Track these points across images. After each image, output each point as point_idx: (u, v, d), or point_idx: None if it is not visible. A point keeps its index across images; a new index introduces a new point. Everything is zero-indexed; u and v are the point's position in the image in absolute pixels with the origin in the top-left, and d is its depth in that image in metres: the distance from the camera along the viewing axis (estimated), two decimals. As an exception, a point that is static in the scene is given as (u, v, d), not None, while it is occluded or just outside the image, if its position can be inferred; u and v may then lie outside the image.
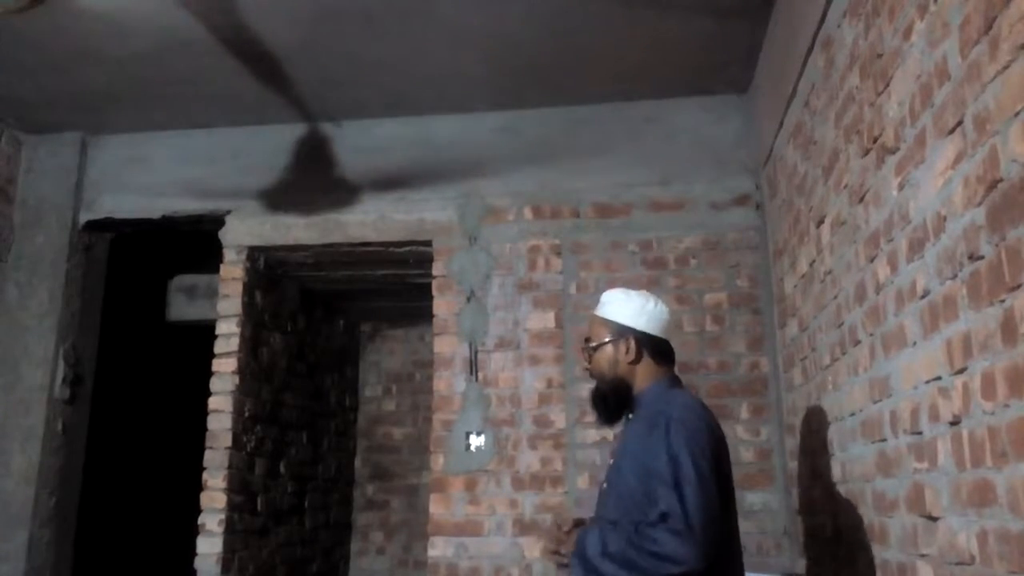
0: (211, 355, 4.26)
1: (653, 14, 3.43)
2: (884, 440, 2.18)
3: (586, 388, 2.36)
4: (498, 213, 4.15)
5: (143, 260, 5.17)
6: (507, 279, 4.06)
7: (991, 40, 1.47)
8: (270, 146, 4.39)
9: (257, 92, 4.04)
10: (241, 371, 4.25)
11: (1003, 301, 1.46)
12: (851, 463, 2.53)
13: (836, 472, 2.68)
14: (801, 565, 3.34)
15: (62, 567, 4.24)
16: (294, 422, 5.03)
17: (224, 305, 4.32)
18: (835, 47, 2.56)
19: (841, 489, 2.62)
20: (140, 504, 5.36)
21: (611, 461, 2.22)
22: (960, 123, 1.63)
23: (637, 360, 2.20)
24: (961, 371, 1.65)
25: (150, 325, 5.42)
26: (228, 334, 4.28)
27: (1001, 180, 1.45)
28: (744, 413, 3.76)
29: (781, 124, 3.36)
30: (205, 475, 4.10)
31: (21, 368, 4.21)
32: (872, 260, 2.24)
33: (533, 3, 3.36)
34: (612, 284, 3.20)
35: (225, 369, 4.23)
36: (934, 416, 1.81)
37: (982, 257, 1.54)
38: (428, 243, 4.20)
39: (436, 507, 3.85)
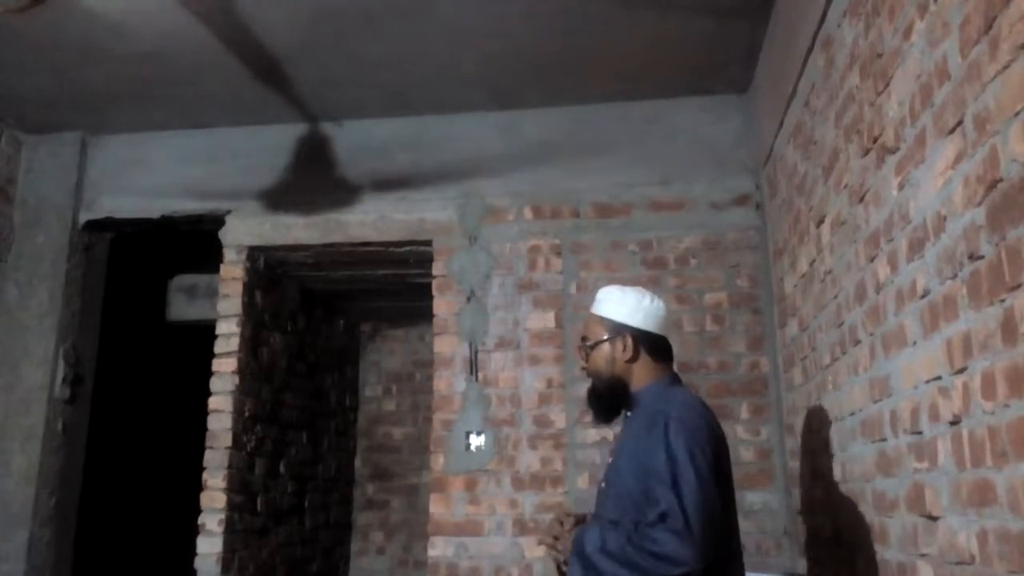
0: (211, 355, 4.26)
1: (653, 14, 3.43)
2: (884, 440, 2.18)
3: (586, 388, 2.33)
4: (498, 213, 4.15)
5: (143, 260, 5.17)
6: (507, 279, 4.06)
7: (991, 40, 1.47)
8: (270, 146, 4.39)
9: (257, 92, 4.04)
10: (241, 371, 4.25)
11: (1003, 301, 1.46)
12: (851, 463, 2.53)
13: (836, 472, 2.68)
14: (802, 565, 3.34)
15: (62, 567, 4.24)
16: (294, 422, 5.03)
17: (224, 305, 4.32)
18: (835, 47, 2.56)
19: (841, 489, 2.62)
20: (140, 504, 5.36)
21: (610, 460, 2.20)
22: (960, 123, 1.63)
23: (635, 358, 2.17)
24: (961, 371, 1.65)
25: (150, 325, 5.42)
26: (228, 334, 4.28)
27: (1001, 180, 1.46)
28: (744, 413, 3.76)
29: (781, 124, 3.36)
30: (205, 475, 4.11)
31: (21, 368, 4.22)
32: (872, 260, 2.24)
33: (533, 3, 3.36)
34: (612, 284, 3.19)
35: (225, 369, 4.23)
36: (934, 416, 1.81)
37: (982, 257, 1.54)
38: (428, 243, 4.20)
39: (436, 507, 3.85)
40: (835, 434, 2.70)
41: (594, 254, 4.01)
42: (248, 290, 4.36)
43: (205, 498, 4.08)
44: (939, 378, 1.78)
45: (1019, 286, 1.40)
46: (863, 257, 2.32)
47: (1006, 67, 1.43)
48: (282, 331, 4.86)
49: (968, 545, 1.64)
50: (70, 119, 4.39)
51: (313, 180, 4.32)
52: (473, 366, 3.97)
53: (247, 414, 4.33)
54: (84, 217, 4.47)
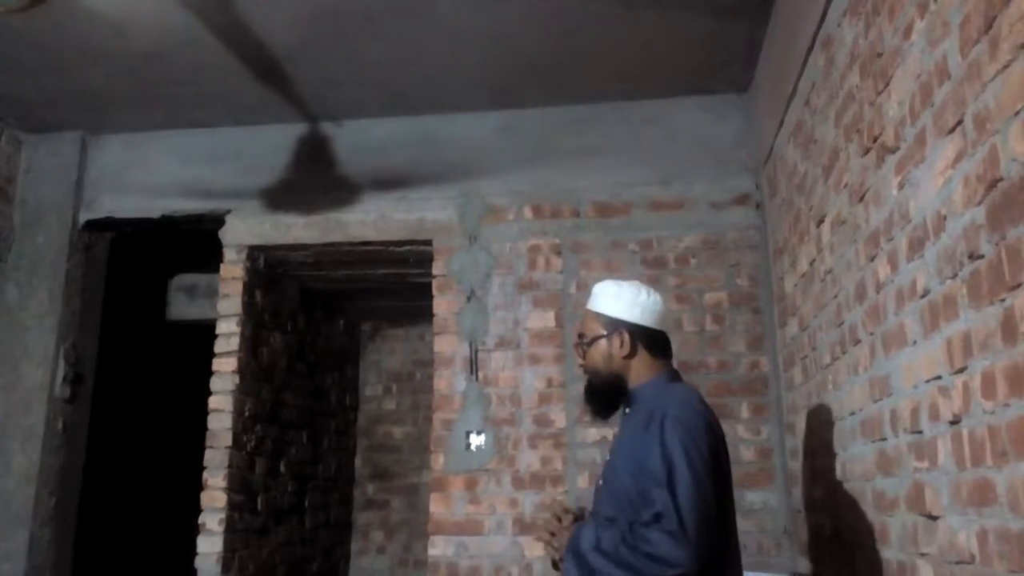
0: (211, 354, 4.27)
1: (653, 14, 3.43)
2: (884, 439, 2.18)
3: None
4: (498, 212, 4.15)
5: (143, 259, 5.17)
6: (507, 278, 4.06)
7: (991, 39, 1.47)
8: (270, 146, 4.39)
9: (257, 92, 4.04)
10: (241, 370, 4.25)
11: (1003, 300, 1.46)
12: (851, 462, 2.53)
13: (836, 471, 2.68)
14: (802, 564, 3.34)
15: (62, 566, 4.24)
16: (294, 421, 5.03)
17: (224, 304, 4.32)
18: (835, 46, 2.56)
19: (841, 488, 2.62)
20: (140, 503, 5.37)
21: (608, 458, 2.18)
22: (960, 122, 1.63)
23: (632, 354, 2.12)
24: (961, 370, 1.65)
25: (150, 324, 5.42)
26: (228, 333, 4.28)
27: (1001, 179, 1.46)
28: (744, 412, 3.76)
29: (781, 123, 3.36)
30: (205, 474, 4.11)
31: (21, 367, 4.22)
32: (872, 259, 2.24)
33: (533, 3, 3.36)
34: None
35: (225, 368, 4.23)
36: (934, 415, 1.82)
37: (982, 256, 1.54)
38: (428, 242, 4.20)
39: (436, 506, 3.85)
40: (835, 433, 2.70)
41: (594, 253, 4.01)
42: (248, 290, 4.36)
43: (205, 497, 4.08)
44: (939, 377, 1.78)
45: (1019, 285, 1.40)
46: (863, 256, 2.32)
47: (1006, 66, 1.43)
48: (282, 331, 4.86)
49: (968, 544, 1.64)
50: (70, 119, 4.39)
51: (313, 180, 4.33)
52: (473, 365, 3.97)
53: (247, 414, 4.33)
54: (84, 217, 4.47)
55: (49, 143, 4.51)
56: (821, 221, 2.80)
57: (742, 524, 3.50)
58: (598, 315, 2.18)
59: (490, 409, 3.91)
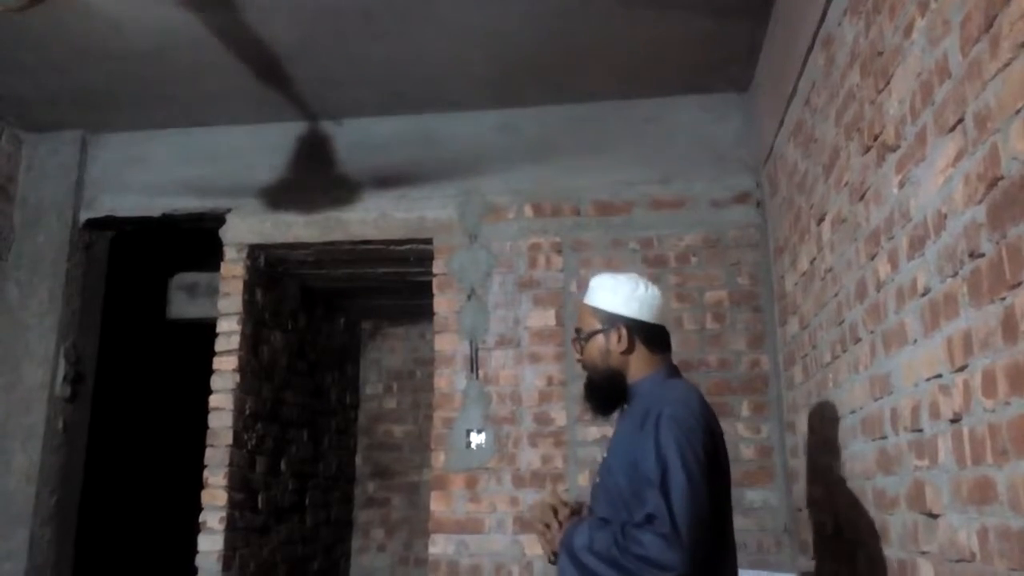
0: (212, 353, 4.27)
1: (653, 13, 3.43)
2: (885, 438, 2.19)
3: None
4: (498, 211, 4.15)
5: (144, 258, 5.18)
6: (508, 277, 4.06)
7: (992, 38, 1.48)
8: (270, 144, 4.39)
9: (257, 90, 4.04)
10: (242, 369, 4.26)
11: (1004, 299, 1.46)
12: (852, 460, 2.53)
13: (837, 469, 2.68)
14: (802, 562, 3.34)
15: (63, 565, 4.24)
16: (295, 420, 5.03)
17: (225, 303, 4.32)
18: (836, 45, 2.56)
19: (841, 486, 2.62)
20: (141, 502, 5.37)
21: (604, 455, 2.13)
22: (961, 121, 1.63)
23: (630, 350, 2.07)
24: (962, 369, 1.66)
25: (151, 323, 5.43)
26: (229, 332, 4.28)
27: (1002, 178, 1.46)
28: (744, 411, 3.76)
29: (782, 122, 3.36)
30: (206, 473, 4.11)
31: (22, 367, 4.22)
32: (873, 258, 2.24)
33: (533, 2, 3.36)
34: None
35: (226, 367, 4.23)
36: (935, 413, 1.82)
37: (983, 255, 1.54)
38: (429, 241, 4.20)
39: (437, 504, 3.85)
40: (835, 432, 2.70)
41: (595, 252, 4.01)
42: (249, 288, 4.37)
43: (206, 496, 4.09)
44: (940, 376, 1.78)
45: (1020, 284, 1.40)
46: (864, 255, 2.32)
47: (1007, 65, 1.43)
48: (283, 329, 4.87)
49: (968, 543, 1.64)
50: (71, 117, 4.39)
51: (313, 178, 4.33)
52: (474, 364, 3.98)
53: (248, 412, 4.33)
54: (84, 215, 4.47)
55: (49, 142, 4.51)
56: (822, 219, 2.80)
57: (742, 522, 3.54)
58: (595, 310, 2.12)
59: (490, 407, 3.91)
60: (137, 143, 4.53)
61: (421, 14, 3.43)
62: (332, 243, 4.32)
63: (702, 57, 3.79)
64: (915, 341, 1.93)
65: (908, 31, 1.91)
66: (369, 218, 4.24)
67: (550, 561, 1.99)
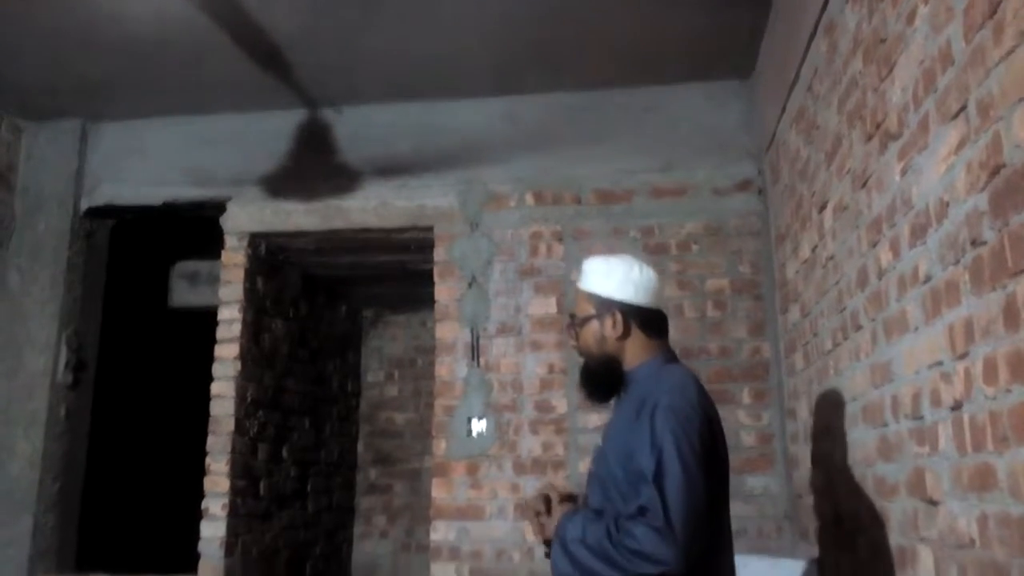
0: (213, 341, 4.28)
1: (655, 0, 3.42)
2: (885, 425, 2.19)
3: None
4: (499, 199, 4.15)
5: (145, 247, 5.18)
6: (508, 265, 4.06)
7: (995, 25, 1.47)
8: (271, 132, 4.38)
9: (257, 78, 4.03)
10: (243, 357, 4.27)
11: (1005, 286, 1.47)
12: (852, 448, 2.54)
13: (837, 457, 2.69)
14: (802, 549, 3.36)
15: (66, 551, 4.27)
16: (296, 407, 5.04)
17: (226, 291, 4.33)
18: (838, 32, 2.55)
19: (842, 473, 2.63)
20: (144, 488, 5.39)
21: (600, 444, 2.08)
22: (963, 108, 1.62)
23: (626, 335, 2.01)
24: (963, 356, 1.66)
25: (152, 311, 5.43)
26: (230, 320, 4.29)
27: (1004, 165, 1.46)
28: (745, 398, 3.77)
29: (783, 109, 3.35)
30: (208, 460, 4.13)
31: (24, 354, 4.23)
32: (874, 245, 2.24)
33: (535, -12, 3.35)
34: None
35: (227, 355, 4.24)
36: (935, 401, 1.82)
37: (984, 243, 1.54)
38: (429, 229, 4.20)
39: (438, 491, 3.87)
40: (836, 419, 2.71)
41: (596, 240, 4.00)
42: (250, 276, 4.37)
43: (208, 483, 4.11)
44: (941, 363, 1.78)
45: (1022, 272, 1.41)
46: (865, 243, 2.32)
47: (1010, 52, 1.42)
48: (284, 317, 4.87)
49: (968, 529, 1.65)
50: (70, 106, 4.38)
51: (314, 166, 4.32)
52: (475, 352, 3.98)
53: (249, 399, 4.34)
54: (85, 204, 4.47)
55: (49, 130, 4.51)
56: (823, 207, 2.80)
57: (743, 509, 3.55)
58: (589, 294, 2.06)
59: (491, 395, 3.92)
60: (137, 131, 4.53)
61: (421, 1, 3.42)
62: (333, 231, 4.32)
63: (703, 44, 3.77)
64: (916, 329, 1.93)
65: (911, 18, 1.90)
66: (370, 206, 4.24)
67: (545, 555, 1.97)
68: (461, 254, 4.10)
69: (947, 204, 1.72)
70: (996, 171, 1.48)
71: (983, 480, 1.58)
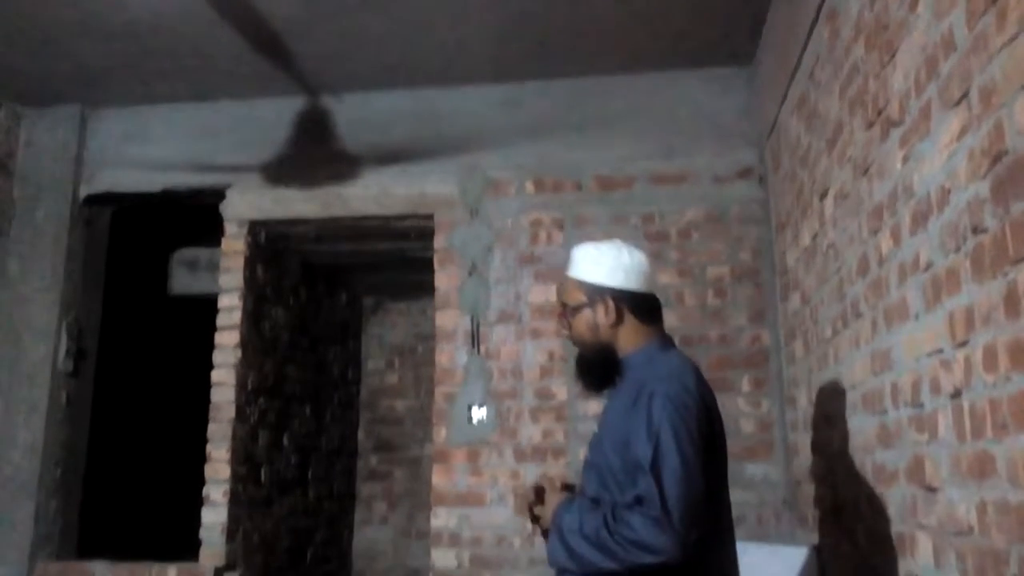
0: (214, 328, 4.28)
1: (656, -16, 3.40)
2: (885, 412, 2.20)
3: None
4: (500, 186, 4.14)
5: (145, 234, 5.17)
6: (509, 252, 4.06)
7: (998, 11, 1.46)
8: (271, 119, 4.37)
9: (257, 65, 4.01)
10: (243, 344, 4.27)
11: (1006, 274, 1.46)
12: (852, 435, 2.55)
13: (836, 444, 2.70)
14: (801, 535, 3.38)
15: (68, 537, 4.29)
16: (297, 394, 5.05)
17: (226, 279, 4.32)
18: (840, 19, 2.53)
19: (841, 461, 2.64)
20: (145, 475, 5.41)
21: (595, 430, 2.05)
22: (966, 95, 1.62)
23: (619, 321, 1.98)
24: (963, 344, 1.66)
25: (153, 298, 5.43)
26: (230, 307, 4.29)
27: (1006, 153, 1.45)
28: (745, 386, 3.77)
29: (785, 96, 3.34)
30: (209, 447, 4.14)
31: (24, 341, 4.23)
32: (875, 233, 2.23)
33: (535, -27, 3.33)
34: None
35: (228, 342, 4.25)
36: (935, 388, 1.82)
37: (986, 230, 1.54)
38: (430, 216, 4.19)
39: (439, 478, 3.88)
40: (836, 407, 2.71)
41: (596, 227, 4.00)
42: (250, 264, 4.36)
43: (209, 469, 4.12)
44: (941, 351, 1.78)
45: (1023, 259, 1.40)
46: (866, 230, 2.32)
47: (1013, 39, 1.42)
48: (284, 304, 4.87)
49: (967, 516, 1.66)
50: (69, 92, 4.36)
51: (314, 154, 4.31)
52: (475, 339, 3.99)
53: (250, 387, 4.35)
54: (85, 191, 4.46)
55: (48, 117, 4.49)
56: (824, 195, 2.79)
57: (743, 496, 3.57)
58: (579, 282, 2.03)
59: (492, 382, 3.93)
60: (136, 118, 4.51)
61: (422, -13, 3.40)
62: (333, 219, 4.31)
63: (705, 30, 3.75)
64: (916, 316, 1.93)
65: (913, 4, 1.89)
66: (370, 194, 4.23)
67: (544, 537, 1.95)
68: (461, 242, 4.10)
69: (948, 191, 1.72)
70: (998, 158, 1.48)
71: (982, 467, 1.58)
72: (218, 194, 4.36)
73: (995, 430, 1.52)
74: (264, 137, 4.35)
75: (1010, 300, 1.45)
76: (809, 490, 3.18)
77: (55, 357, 4.24)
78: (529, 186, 4.12)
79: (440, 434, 3.94)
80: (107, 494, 4.84)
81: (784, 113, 3.41)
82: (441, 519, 3.84)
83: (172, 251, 5.51)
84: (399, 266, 5.30)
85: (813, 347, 3.06)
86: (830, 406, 2.77)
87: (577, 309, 2.03)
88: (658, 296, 2.07)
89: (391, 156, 4.23)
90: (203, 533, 4.04)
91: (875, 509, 2.30)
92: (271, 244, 4.62)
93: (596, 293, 2.00)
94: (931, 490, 1.86)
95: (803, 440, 3.25)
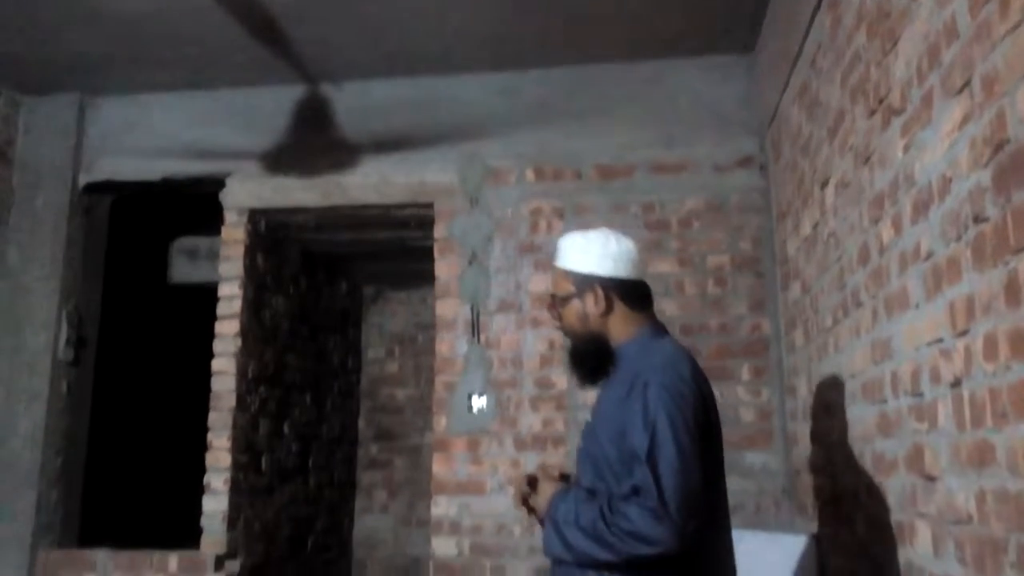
0: (214, 317, 4.28)
1: (657, -28, 3.38)
2: (885, 401, 2.20)
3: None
4: (500, 175, 4.13)
5: (145, 222, 5.16)
6: (509, 241, 4.05)
7: (1002, -1, 1.45)
8: (270, 107, 4.35)
9: (256, 52, 3.99)
10: (244, 333, 4.27)
11: (1007, 263, 1.46)
12: (851, 424, 2.55)
13: (836, 433, 2.70)
14: (800, 524, 3.38)
15: (70, 525, 4.30)
16: (298, 383, 5.06)
17: (226, 267, 4.32)
18: (842, 6, 2.52)
19: (841, 449, 2.64)
20: (147, 464, 5.42)
21: (589, 419, 2.04)
22: (968, 83, 1.61)
23: (609, 310, 1.96)
24: (963, 333, 1.66)
25: (153, 287, 5.43)
26: (230, 296, 4.29)
27: (1008, 141, 1.45)
28: (745, 375, 3.78)
29: (786, 85, 3.32)
30: (210, 436, 4.14)
31: (24, 330, 4.23)
32: (876, 222, 2.23)
33: (536, -40, 3.31)
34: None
35: (228, 331, 4.25)
36: (935, 377, 1.82)
37: (987, 219, 1.54)
38: (429, 205, 4.18)
39: (439, 467, 3.89)
40: (836, 396, 2.71)
41: (596, 216, 3.98)
42: (249, 252, 4.36)
43: (210, 458, 4.13)
44: (941, 340, 1.78)
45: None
46: (867, 219, 2.32)
47: (1016, 27, 1.41)
48: (284, 293, 4.87)
49: (966, 505, 1.66)
50: (68, 80, 4.35)
51: (313, 142, 4.30)
52: (475, 328, 3.99)
53: (250, 375, 4.35)
54: (84, 179, 4.45)
55: (47, 105, 4.47)
56: (825, 184, 2.78)
57: (742, 484, 3.58)
58: (567, 272, 2.01)
59: (492, 372, 3.93)
60: (136, 106, 4.50)
61: (421, -26, 3.38)
62: (332, 207, 4.31)
63: (705, 18, 3.73)
64: (917, 306, 1.93)
65: (916, -9, 1.88)
66: (369, 182, 4.22)
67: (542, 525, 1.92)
68: (461, 231, 4.09)
69: (950, 180, 1.71)
70: (1000, 147, 1.47)
71: (982, 456, 1.59)
72: (218, 182, 4.35)
73: (995, 419, 1.53)
74: (264, 125, 4.34)
75: (1011, 289, 1.45)
76: (808, 479, 3.19)
77: (55, 346, 4.24)
78: (529, 174, 4.11)
79: (440, 423, 3.94)
80: (108, 483, 4.85)
81: (785, 101, 3.40)
82: (441, 507, 3.85)
83: (172, 240, 5.50)
84: (399, 255, 5.30)
85: (813, 336, 3.06)
86: (830, 395, 2.77)
87: (566, 299, 2.01)
88: (647, 282, 2.05)
89: (391, 144, 4.22)
90: (204, 521, 4.05)
91: (874, 498, 2.30)
92: (271, 233, 4.62)
93: (585, 282, 1.98)
94: (930, 479, 1.86)
95: (803, 429, 3.25)
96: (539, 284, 3.97)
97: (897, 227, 2.06)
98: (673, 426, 1.74)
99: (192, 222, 5.25)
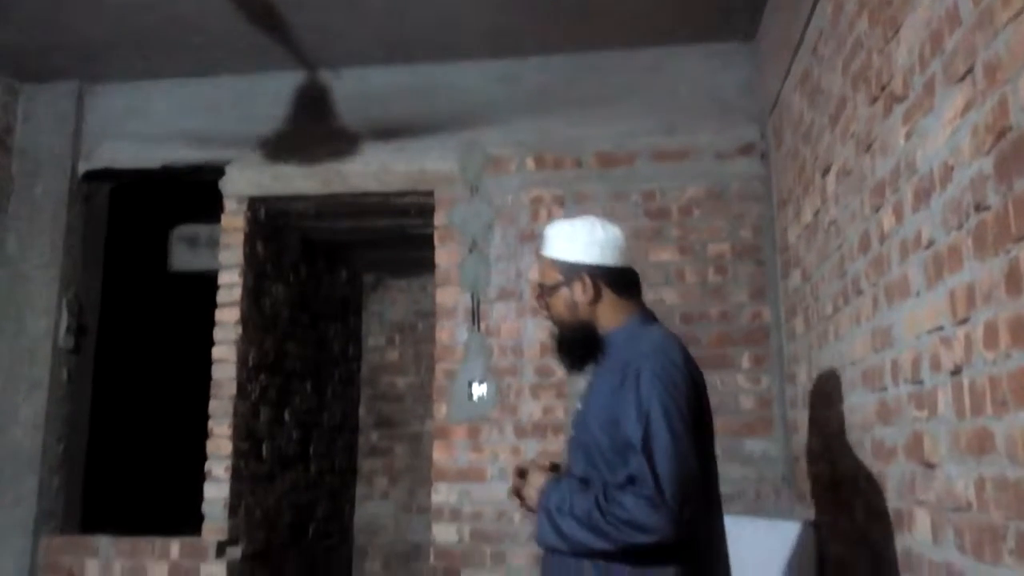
0: (214, 305, 4.28)
1: (659, -42, 3.36)
2: (885, 389, 2.20)
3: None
4: (500, 163, 4.12)
5: (144, 210, 5.16)
6: (509, 229, 4.05)
7: (1005, -15, 1.45)
8: (270, 95, 4.34)
9: (256, 40, 3.98)
10: (244, 320, 4.27)
11: (1009, 251, 1.46)
12: (851, 412, 2.56)
13: (836, 421, 2.71)
14: (799, 511, 3.40)
15: (71, 512, 4.32)
16: (298, 371, 5.07)
17: (226, 255, 4.32)
18: (844, -8, 2.51)
19: (840, 437, 2.65)
20: (148, 450, 5.43)
21: (579, 407, 2.02)
22: (970, 71, 1.60)
23: (597, 298, 1.95)
24: (964, 321, 1.66)
25: (153, 275, 5.43)
26: (230, 284, 4.29)
27: (1011, 129, 1.44)
28: (745, 362, 3.78)
29: (788, 72, 3.31)
30: (211, 423, 4.15)
31: (25, 318, 4.23)
32: (877, 210, 2.23)
33: (536, -54, 3.29)
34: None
35: (228, 319, 4.25)
36: (935, 365, 1.83)
37: (988, 207, 1.54)
38: (430, 193, 4.18)
39: (439, 454, 3.90)
40: (836, 383, 2.72)
41: (597, 204, 3.98)
42: (249, 240, 4.36)
43: (211, 445, 4.14)
44: (941, 328, 1.78)
45: (1025, 237, 1.40)
46: (868, 207, 2.31)
47: (1019, 14, 1.40)
48: (284, 281, 4.87)
49: (966, 492, 1.67)
50: (67, 67, 4.33)
51: (313, 130, 4.29)
52: (475, 316, 3.99)
53: (251, 363, 4.36)
54: (83, 167, 4.44)
55: (46, 92, 4.46)
56: (826, 171, 2.78)
57: (741, 471, 3.59)
58: (554, 261, 1.99)
59: (492, 359, 3.94)
60: (135, 93, 4.48)
61: (421, -40, 3.36)
62: (332, 195, 4.30)
63: (707, 5, 3.72)
64: (917, 293, 1.93)
65: (919, -22, 1.87)
66: (369, 170, 4.22)
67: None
68: (461, 219, 4.09)
69: (951, 168, 1.71)
70: (1002, 134, 1.47)
71: (981, 444, 1.59)
72: (217, 170, 4.34)
73: (995, 407, 1.53)
74: (263, 113, 4.32)
75: (1012, 277, 1.45)
76: (808, 466, 3.20)
77: (56, 333, 4.24)
78: (529, 162, 4.10)
79: (440, 411, 3.95)
80: (110, 470, 4.86)
81: (787, 89, 3.39)
82: (442, 494, 3.86)
83: (172, 227, 5.49)
84: (399, 243, 5.29)
85: (813, 324, 3.06)
86: (830, 383, 2.78)
87: (554, 288, 2.00)
88: (636, 270, 2.04)
89: (390, 132, 4.21)
90: (205, 508, 4.07)
91: (874, 485, 2.31)
92: (271, 221, 4.61)
93: (572, 271, 1.97)
94: (930, 466, 1.87)
95: (802, 416, 3.26)
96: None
97: (898, 215, 2.06)
98: (667, 414, 1.73)
99: (192, 210, 5.24)
